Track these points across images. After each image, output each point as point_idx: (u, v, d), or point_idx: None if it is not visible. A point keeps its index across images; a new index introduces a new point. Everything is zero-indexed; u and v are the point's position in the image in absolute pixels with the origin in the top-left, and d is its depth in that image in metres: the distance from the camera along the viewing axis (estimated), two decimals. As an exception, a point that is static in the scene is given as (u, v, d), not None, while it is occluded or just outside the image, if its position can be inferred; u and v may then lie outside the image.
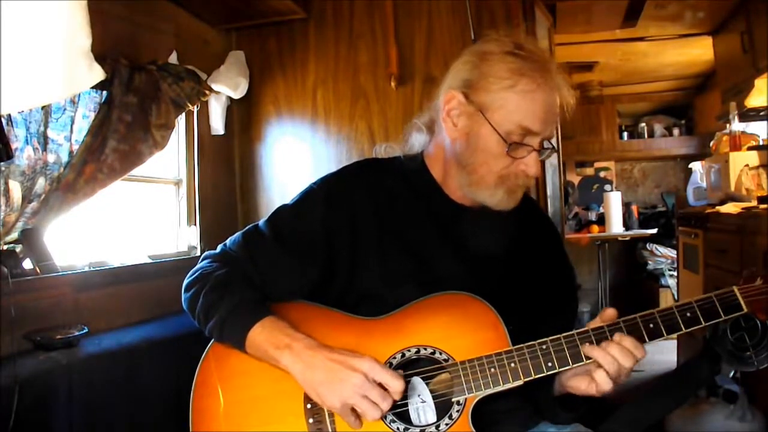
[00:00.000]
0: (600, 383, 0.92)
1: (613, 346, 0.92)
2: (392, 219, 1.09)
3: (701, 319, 0.94)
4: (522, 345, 0.95)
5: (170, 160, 2.18)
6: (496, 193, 1.04)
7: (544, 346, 0.94)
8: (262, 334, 0.96)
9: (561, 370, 0.94)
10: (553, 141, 1.08)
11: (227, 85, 2.17)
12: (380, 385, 0.91)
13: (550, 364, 0.93)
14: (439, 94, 1.08)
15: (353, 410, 0.91)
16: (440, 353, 0.96)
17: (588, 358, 0.93)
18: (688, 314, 0.94)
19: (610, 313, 0.96)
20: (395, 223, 1.09)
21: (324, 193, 1.10)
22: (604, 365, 0.92)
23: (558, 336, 0.95)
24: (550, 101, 1.01)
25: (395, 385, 0.90)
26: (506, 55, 1.01)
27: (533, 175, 1.04)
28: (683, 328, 0.94)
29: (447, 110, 1.05)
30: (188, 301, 1.05)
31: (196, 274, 1.07)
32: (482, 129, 1.01)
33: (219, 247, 1.12)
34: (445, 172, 1.11)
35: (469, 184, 1.05)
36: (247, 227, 1.13)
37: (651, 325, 0.94)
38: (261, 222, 1.12)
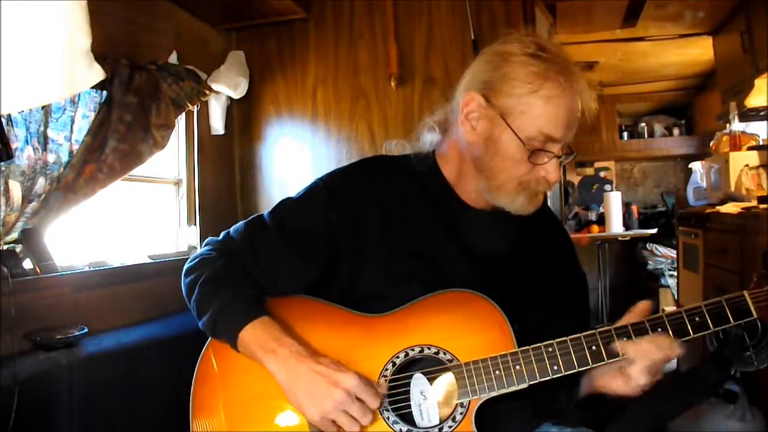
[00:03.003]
0: (635, 377, 0.91)
1: (646, 341, 0.91)
2: (399, 218, 1.08)
3: (710, 325, 0.93)
4: (528, 347, 0.94)
5: (170, 160, 2.18)
6: (516, 199, 1.02)
7: (550, 349, 0.93)
8: (253, 335, 0.95)
9: (566, 373, 0.93)
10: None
11: (227, 85, 2.17)
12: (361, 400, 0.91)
13: (555, 368, 0.93)
14: (457, 94, 1.05)
15: (333, 422, 0.91)
16: (444, 353, 0.96)
17: (599, 359, 0.92)
18: (697, 319, 0.93)
19: (642, 306, 0.96)
20: (402, 223, 1.07)
21: (328, 189, 1.10)
22: (637, 358, 0.90)
23: (564, 339, 0.94)
24: (573, 106, 0.98)
25: (374, 404, 0.91)
26: (529, 57, 0.97)
27: (553, 182, 1.01)
28: (692, 334, 0.93)
29: (466, 113, 1.02)
30: (186, 287, 1.05)
31: (196, 260, 1.06)
32: (503, 134, 0.98)
33: (222, 234, 1.11)
34: (460, 173, 1.09)
35: (488, 189, 1.03)
36: (251, 217, 1.12)
37: (659, 330, 0.93)
38: (265, 213, 1.11)
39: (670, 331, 0.93)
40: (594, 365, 0.93)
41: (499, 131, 0.99)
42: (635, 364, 0.91)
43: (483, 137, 1.01)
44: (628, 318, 0.96)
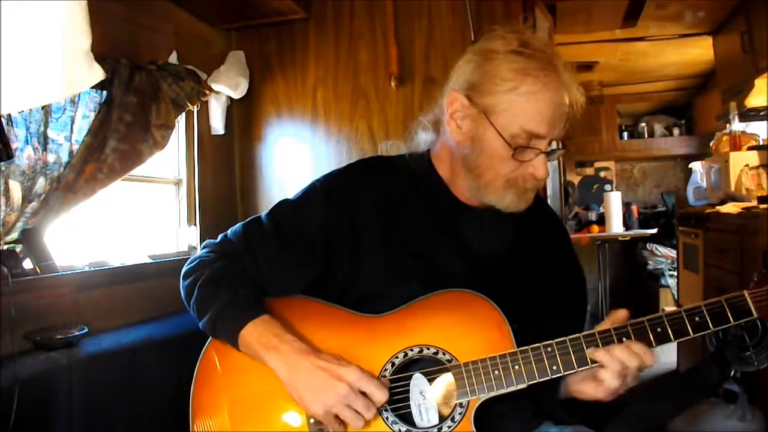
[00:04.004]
0: (606, 382, 0.91)
1: (618, 348, 0.91)
2: (396, 218, 1.08)
3: (710, 324, 0.93)
4: (527, 347, 0.94)
5: (170, 160, 2.18)
6: (505, 197, 1.02)
7: (549, 349, 0.93)
8: (254, 333, 0.96)
9: (566, 373, 0.93)
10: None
11: (227, 85, 2.17)
12: (365, 393, 0.91)
13: (555, 368, 0.93)
14: (444, 94, 1.06)
15: (336, 417, 0.91)
16: (443, 353, 0.96)
17: (594, 361, 0.92)
18: (697, 319, 0.93)
19: (621, 314, 0.95)
20: (399, 223, 1.08)
21: (326, 189, 1.10)
22: (607, 366, 0.90)
23: (564, 339, 0.94)
24: (557, 101, 0.97)
25: (379, 396, 0.91)
26: (510, 54, 0.97)
27: (542, 178, 1.00)
28: (691, 334, 0.93)
29: (450, 113, 1.03)
30: (185, 289, 1.05)
31: (195, 262, 1.07)
32: (487, 132, 0.99)
33: (219, 237, 1.12)
34: (453, 173, 1.09)
35: (477, 188, 1.03)
36: (248, 218, 1.13)
37: (659, 329, 0.93)
38: (263, 214, 1.12)
39: (670, 331, 0.93)
40: (593, 365, 0.93)
41: (483, 130, 0.99)
42: (606, 369, 0.91)
43: (468, 136, 1.01)
44: (606, 324, 0.95)
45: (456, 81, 1.04)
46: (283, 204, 1.12)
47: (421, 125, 1.14)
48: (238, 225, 1.12)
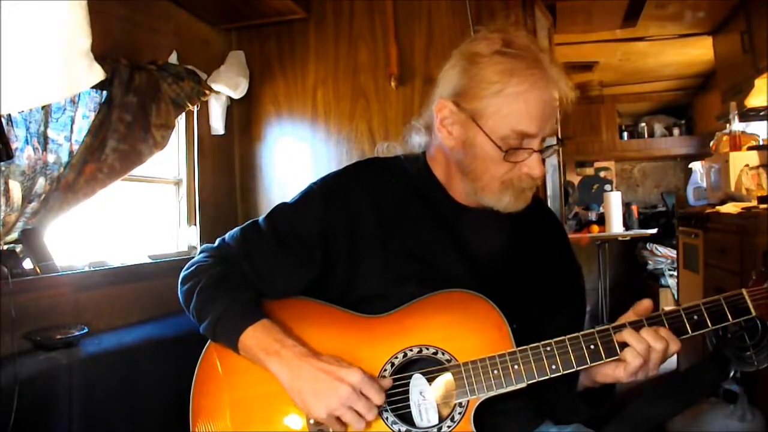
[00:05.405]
0: (629, 362, 0.91)
1: (646, 330, 0.91)
2: (394, 220, 1.08)
3: (708, 323, 0.93)
4: (526, 347, 0.94)
5: (170, 160, 2.18)
6: (503, 198, 1.01)
7: (548, 349, 0.93)
8: (254, 338, 0.96)
9: (565, 372, 0.93)
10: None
11: (227, 85, 2.17)
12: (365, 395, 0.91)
13: (554, 367, 0.93)
14: (433, 100, 1.06)
15: (338, 419, 0.91)
16: (443, 353, 0.96)
17: (593, 360, 0.92)
18: (696, 317, 0.94)
19: (645, 304, 0.96)
20: (397, 224, 1.08)
21: (323, 192, 1.10)
22: (634, 345, 0.91)
23: (563, 338, 0.94)
24: (546, 98, 0.97)
25: (378, 399, 0.91)
26: (494, 56, 0.97)
27: (538, 177, 1.00)
28: (690, 332, 0.93)
29: (440, 119, 1.03)
30: (183, 295, 1.06)
31: (193, 268, 1.07)
32: (477, 137, 0.99)
33: (217, 241, 1.12)
34: (449, 175, 1.09)
35: (474, 191, 1.04)
36: (246, 223, 1.13)
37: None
38: (260, 218, 1.12)
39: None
40: (592, 364, 0.93)
41: (473, 134, 0.99)
42: (630, 348, 0.91)
43: (460, 141, 1.01)
44: (628, 316, 0.96)
45: (443, 87, 1.04)
46: (281, 207, 1.12)
47: (414, 129, 1.14)
48: (236, 229, 1.12)
